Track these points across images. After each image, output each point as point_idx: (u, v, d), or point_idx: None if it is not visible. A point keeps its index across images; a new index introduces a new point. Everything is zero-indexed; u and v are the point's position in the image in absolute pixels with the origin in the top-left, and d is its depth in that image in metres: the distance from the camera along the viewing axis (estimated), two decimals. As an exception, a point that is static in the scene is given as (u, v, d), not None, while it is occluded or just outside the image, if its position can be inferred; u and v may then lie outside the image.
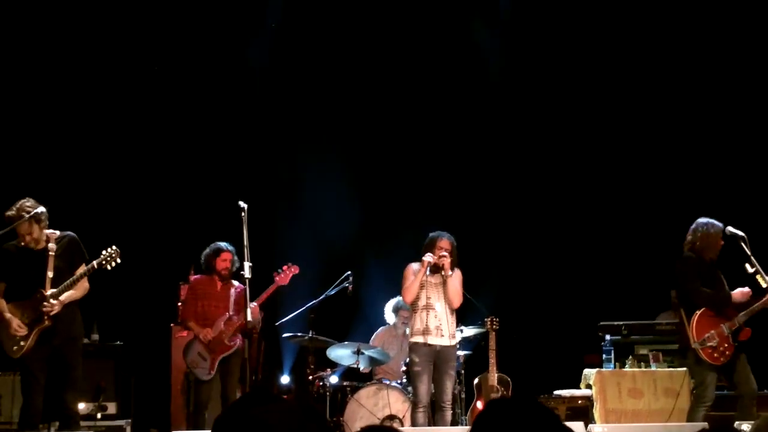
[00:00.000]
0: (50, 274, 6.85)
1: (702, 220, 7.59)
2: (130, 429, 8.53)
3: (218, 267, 8.13)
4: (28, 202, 6.85)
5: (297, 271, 8.23)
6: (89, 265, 6.88)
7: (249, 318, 7.47)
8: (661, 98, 10.77)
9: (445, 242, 7.80)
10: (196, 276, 8.35)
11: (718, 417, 7.57)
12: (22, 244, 6.89)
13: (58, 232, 7.00)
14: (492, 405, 2.34)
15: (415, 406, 7.74)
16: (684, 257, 7.55)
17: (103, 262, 6.85)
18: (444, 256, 7.72)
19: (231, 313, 8.07)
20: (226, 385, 7.98)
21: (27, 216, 6.77)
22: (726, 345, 7.29)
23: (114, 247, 6.90)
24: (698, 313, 7.34)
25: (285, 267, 8.18)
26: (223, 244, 8.19)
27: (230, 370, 8.02)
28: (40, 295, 6.78)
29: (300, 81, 11.06)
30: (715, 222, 7.55)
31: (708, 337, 7.27)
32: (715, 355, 7.27)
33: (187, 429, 8.14)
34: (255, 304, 7.88)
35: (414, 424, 7.69)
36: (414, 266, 7.89)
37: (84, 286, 7.01)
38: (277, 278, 8.11)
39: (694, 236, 7.54)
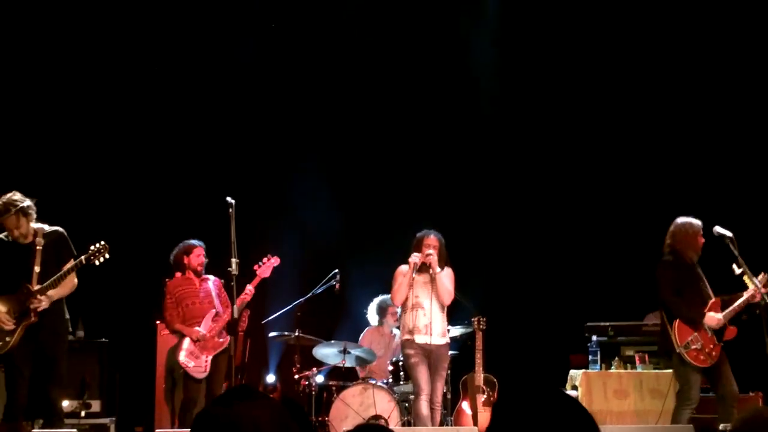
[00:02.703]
0: (37, 269, 6.80)
1: (680, 219, 7.53)
2: (114, 427, 8.49)
3: (193, 264, 8.13)
4: (15, 196, 6.82)
5: (278, 263, 8.19)
6: (77, 260, 6.83)
7: (235, 315, 7.46)
8: (647, 100, 10.77)
9: (432, 240, 7.78)
10: (171, 279, 8.25)
11: (703, 419, 7.60)
12: (10, 238, 6.85)
13: (46, 227, 6.96)
14: (509, 393, 2.29)
15: (417, 396, 7.65)
16: (662, 262, 7.50)
17: (91, 257, 6.81)
18: (430, 254, 7.69)
19: (217, 308, 8.05)
20: (212, 383, 7.95)
21: (14, 209, 6.73)
22: (711, 346, 7.27)
23: (102, 242, 6.85)
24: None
25: (265, 259, 8.14)
26: (193, 241, 8.20)
27: (218, 368, 7.99)
28: (26, 290, 6.73)
29: (287, 80, 11.04)
30: (694, 220, 7.49)
31: (692, 340, 7.24)
32: (701, 357, 7.25)
33: (171, 428, 8.09)
34: (243, 296, 7.89)
35: (417, 415, 7.62)
36: (403, 269, 7.86)
37: (72, 282, 6.95)
38: (259, 271, 8.06)
39: (672, 238, 7.50)
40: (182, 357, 7.94)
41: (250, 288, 7.94)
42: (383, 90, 10.99)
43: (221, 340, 7.98)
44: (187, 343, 7.97)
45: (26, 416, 7.02)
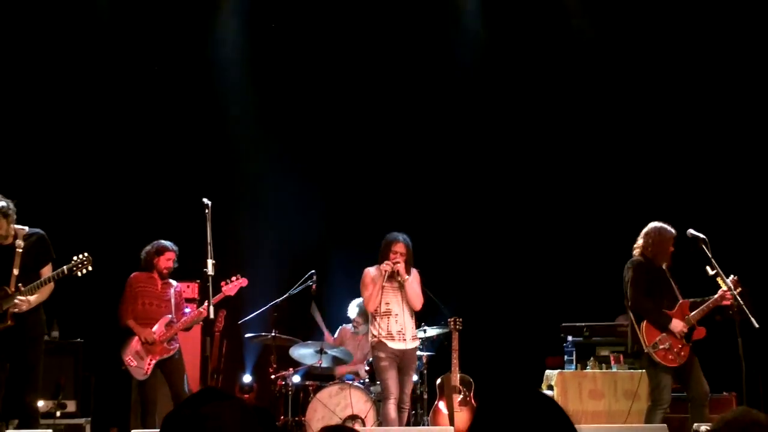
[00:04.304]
0: (15, 271, 6.73)
1: (655, 224, 7.57)
2: (89, 427, 8.45)
3: (161, 266, 8.08)
4: None
5: (245, 284, 8.18)
6: (59, 270, 6.79)
7: (212, 315, 7.40)
8: (619, 103, 10.81)
9: (399, 246, 7.77)
10: (135, 273, 8.20)
11: (676, 419, 7.65)
12: None
13: (27, 229, 6.91)
14: (491, 399, 2.28)
15: (386, 399, 7.67)
16: (633, 261, 7.54)
17: (74, 269, 6.78)
18: (398, 264, 7.71)
19: (172, 316, 8.03)
20: (175, 386, 7.90)
21: (-6, 210, 6.69)
22: (680, 346, 7.31)
23: (86, 254, 6.83)
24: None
25: (234, 278, 8.12)
26: (167, 243, 8.14)
27: (174, 371, 7.93)
28: (3, 293, 6.69)
29: (265, 80, 11.04)
30: (668, 227, 7.53)
31: (660, 339, 7.28)
32: (670, 357, 7.28)
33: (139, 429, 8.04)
34: (201, 310, 7.83)
35: (386, 417, 7.63)
36: (371, 272, 7.88)
37: (50, 287, 6.92)
38: (224, 288, 8.03)
39: (646, 241, 7.53)
40: (127, 355, 7.91)
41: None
42: (361, 92, 11.01)
43: (170, 347, 7.96)
44: (135, 342, 7.92)
45: (1, 417, 6.99)
